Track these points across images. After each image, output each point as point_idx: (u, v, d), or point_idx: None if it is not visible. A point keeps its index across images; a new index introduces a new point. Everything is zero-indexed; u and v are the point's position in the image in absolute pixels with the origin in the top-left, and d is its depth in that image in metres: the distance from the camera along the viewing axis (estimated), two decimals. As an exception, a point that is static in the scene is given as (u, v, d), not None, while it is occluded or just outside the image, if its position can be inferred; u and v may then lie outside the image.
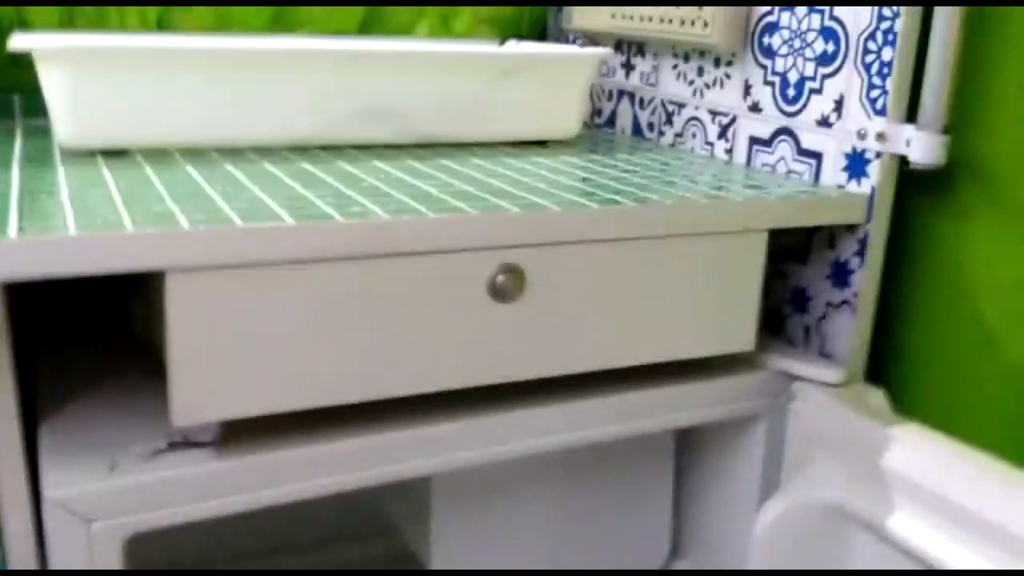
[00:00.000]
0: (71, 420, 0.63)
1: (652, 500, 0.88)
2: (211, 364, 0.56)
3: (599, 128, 1.08)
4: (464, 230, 0.61)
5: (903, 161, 0.75)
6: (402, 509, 0.87)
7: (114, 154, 0.73)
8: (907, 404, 0.82)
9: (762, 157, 0.86)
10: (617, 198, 0.67)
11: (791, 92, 0.82)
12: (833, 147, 0.79)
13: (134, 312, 0.77)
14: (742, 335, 0.74)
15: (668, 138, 0.97)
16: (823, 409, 0.75)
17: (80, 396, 0.67)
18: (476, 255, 0.62)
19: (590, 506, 0.85)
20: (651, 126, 1.00)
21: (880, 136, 0.75)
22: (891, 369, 0.83)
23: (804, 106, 0.81)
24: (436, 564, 0.79)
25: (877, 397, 0.78)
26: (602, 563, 0.87)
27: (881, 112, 0.74)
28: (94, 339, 0.78)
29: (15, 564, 0.57)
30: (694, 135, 0.94)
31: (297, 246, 0.56)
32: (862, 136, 0.76)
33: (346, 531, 1.04)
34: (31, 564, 0.58)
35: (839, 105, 0.78)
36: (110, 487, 0.56)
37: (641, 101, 1.02)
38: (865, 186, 0.76)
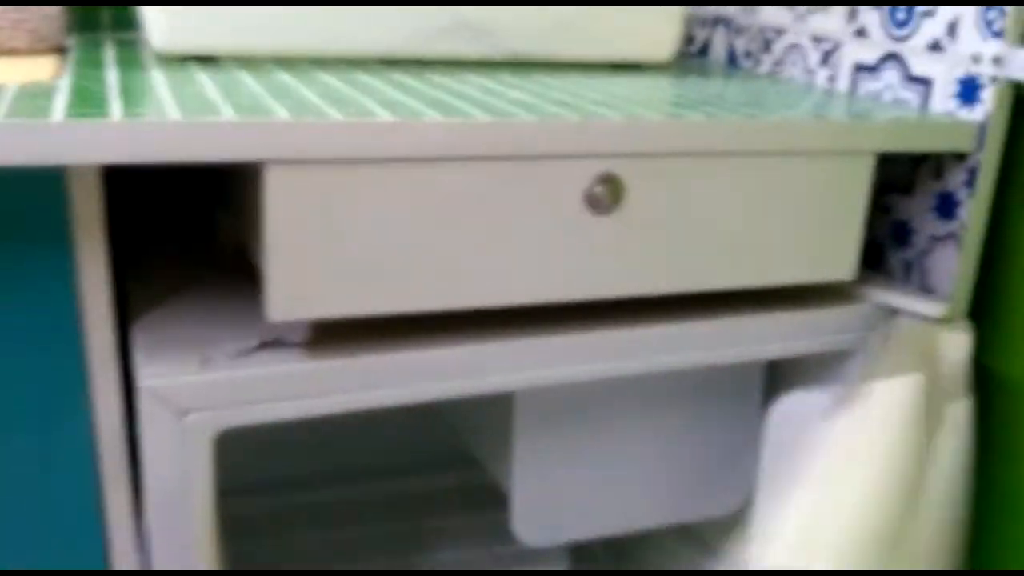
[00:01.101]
0: (163, 319, 0.63)
1: (737, 437, 0.85)
2: (306, 261, 0.56)
3: (692, 56, 1.05)
4: (563, 135, 0.59)
5: (1018, 88, 0.72)
6: (483, 438, 0.86)
7: (206, 60, 0.72)
8: (1008, 346, 0.79)
9: (867, 85, 0.82)
10: (718, 114, 0.65)
11: (900, 15, 0.79)
12: (944, 73, 0.75)
13: (220, 225, 0.77)
14: (843, 264, 0.72)
15: (766, 66, 0.94)
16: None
17: (170, 298, 0.67)
18: (574, 162, 0.60)
19: (674, 439, 0.83)
20: (748, 54, 0.97)
21: (996, 60, 0.71)
22: (993, 308, 0.80)
23: (915, 30, 0.77)
24: (518, 492, 0.78)
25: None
26: (681, 498, 0.85)
27: (998, 35, 0.70)
28: (182, 247, 0.78)
29: (105, 455, 0.58)
30: (794, 63, 0.90)
31: (396, 143, 0.55)
32: (976, 60, 0.72)
33: (422, 460, 1.04)
34: (121, 456, 0.58)
35: (952, 28, 0.74)
36: (203, 380, 0.56)
37: (738, 28, 0.98)
38: (977, 113, 0.72)
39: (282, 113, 0.53)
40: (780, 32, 0.92)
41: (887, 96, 0.80)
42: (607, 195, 0.61)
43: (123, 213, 0.87)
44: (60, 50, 0.77)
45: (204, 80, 0.63)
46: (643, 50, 0.87)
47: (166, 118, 0.50)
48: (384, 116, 0.55)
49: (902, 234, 0.80)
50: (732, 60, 0.99)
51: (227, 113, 0.52)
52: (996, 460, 0.81)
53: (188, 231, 0.82)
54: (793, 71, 0.90)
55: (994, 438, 0.81)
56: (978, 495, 0.83)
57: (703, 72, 0.91)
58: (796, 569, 0.77)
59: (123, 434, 0.58)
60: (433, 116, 0.56)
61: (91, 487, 0.58)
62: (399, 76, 0.72)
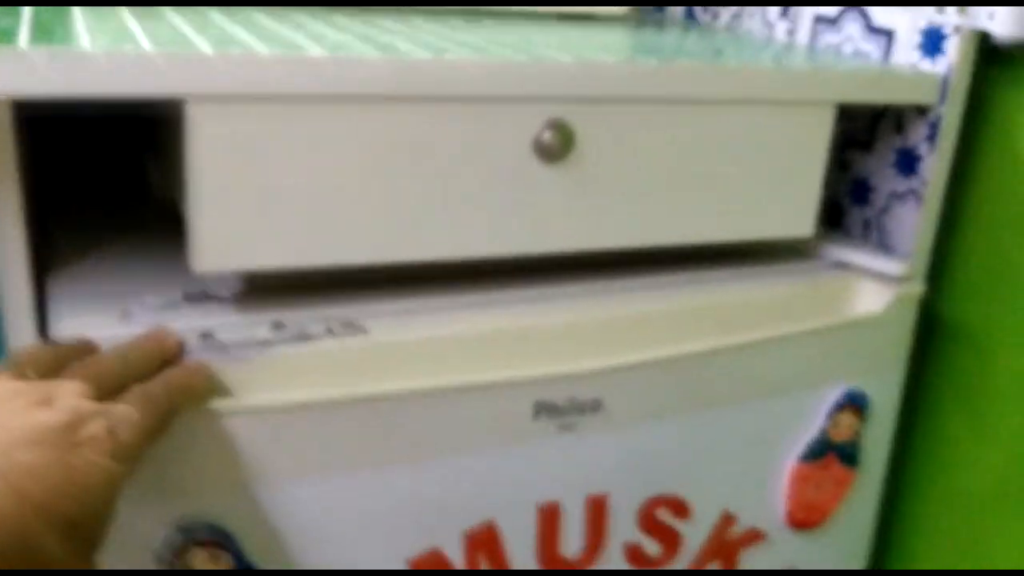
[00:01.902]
0: (84, 270, 0.59)
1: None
2: (234, 208, 0.52)
3: (648, 12, 1.02)
4: (510, 77, 0.55)
5: (983, 39, 0.69)
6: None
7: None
8: (966, 302, 0.77)
9: (827, 37, 0.80)
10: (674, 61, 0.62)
11: (863, -35, 0.76)
12: (907, 23, 0.72)
13: (150, 172, 0.73)
14: (802, 219, 0.69)
15: (724, 19, 0.91)
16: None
17: (95, 250, 0.63)
18: (522, 107, 0.57)
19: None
20: (705, 9, 0.94)
21: (961, 10, 0.68)
22: (952, 265, 0.78)
23: (877, -21, 0.75)
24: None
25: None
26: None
27: (964, -17, 0.68)
28: (111, 198, 0.74)
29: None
30: (752, 15, 0.87)
31: (330, 79, 0.51)
32: (940, 10, 0.70)
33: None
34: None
35: (917, -23, 0.72)
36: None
37: (695, -19, 0.95)
38: (940, 65, 0.70)
39: (205, 47, 0.49)
40: (739, -16, 0.89)
41: (847, 48, 0.77)
42: (557, 143, 0.58)
43: (49, 161, 0.82)
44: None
45: (125, 16, 0.59)
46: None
47: (77, 49, 0.46)
48: (317, 51, 0.51)
49: (862, 191, 0.78)
50: (689, 15, 0.96)
51: (146, 45, 0.48)
52: (953, 412, 0.80)
53: (118, 181, 0.78)
54: (751, 24, 0.88)
55: (953, 393, 0.80)
56: (931, 444, 0.82)
57: (660, 25, 0.88)
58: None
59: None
60: (370, 53, 0.52)
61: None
62: (341, 19, 0.68)
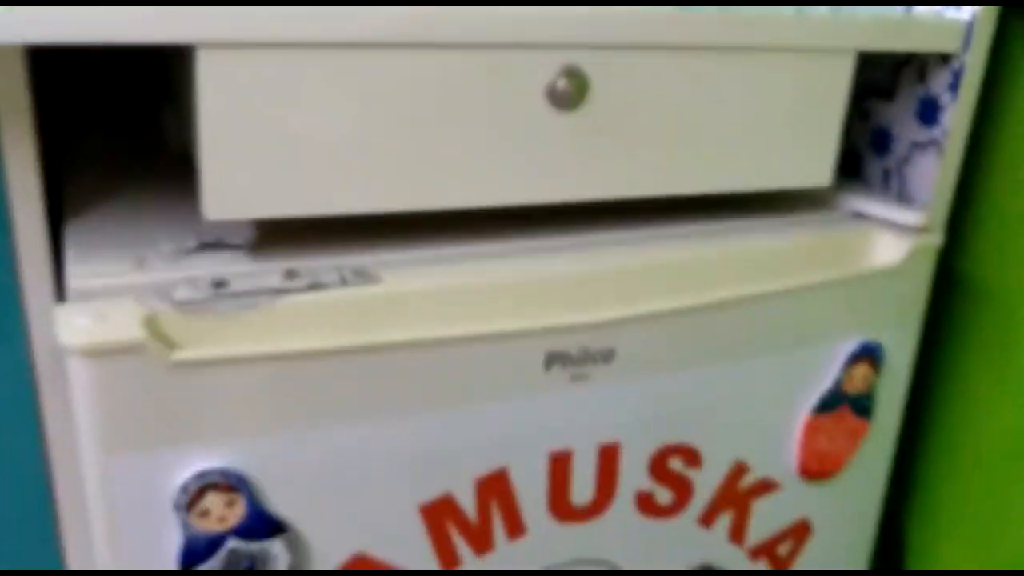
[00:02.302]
0: (100, 219, 0.60)
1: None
2: (244, 155, 0.52)
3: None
4: (521, 22, 0.55)
5: (1010, -15, 0.68)
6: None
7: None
8: (985, 254, 0.76)
9: (850, -16, 0.78)
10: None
11: (888, -92, 0.74)
12: (932, -31, 0.71)
13: (165, 121, 0.73)
14: (819, 169, 0.69)
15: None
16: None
17: (110, 199, 0.63)
18: (535, 53, 0.56)
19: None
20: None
21: (987, -45, 0.67)
22: (972, 216, 0.78)
23: (902, -77, 0.73)
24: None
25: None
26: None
27: (990, -73, 0.67)
28: (125, 149, 0.74)
29: (39, 356, 0.55)
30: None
31: (339, 25, 0.51)
32: (966, -45, 0.68)
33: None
34: (53, 362, 0.55)
35: (942, -79, 0.70)
36: (136, 282, 0.52)
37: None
38: (964, 12, 0.69)
39: (216, -8, 0.49)
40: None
41: (871, -4, 0.76)
42: (570, 90, 0.58)
43: (64, 106, 0.82)
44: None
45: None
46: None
47: (86, -7, 0.46)
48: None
49: (882, 141, 0.77)
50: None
51: (155, -9, 0.48)
52: (973, 367, 0.80)
53: (133, 127, 0.78)
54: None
55: (973, 348, 0.79)
56: (950, 399, 0.82)
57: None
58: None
59: (58, 342, 0.55)
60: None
61: (25, 388, 0.55)
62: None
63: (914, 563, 0.87)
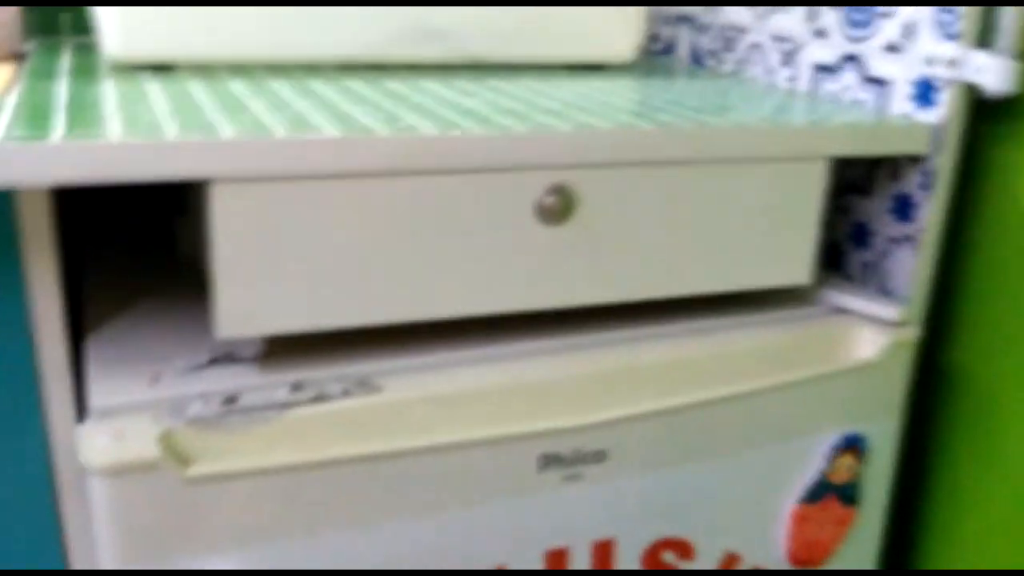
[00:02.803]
0: (117, 334, 0.63)
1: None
2: (255, 277, 0.56)
3: (657, 55, 1.05)
4: (511, 147, 0.59)
5: (973, 90, 0.72)
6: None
7: (161, 68, 0.72)
8: (966, 346, 0.79)
9: (827, 85, 0.82)
10: (672, 121, 0.65)
11: (858, 16, 0.79)
12: (901, 74, 0.75)
13: (179, 234, 0.77)
14: (799, 267, 0.72)
15: (729, 65, 0.94)
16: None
17: (126, 312, 0.67)
18: (524, 174, 0.60)
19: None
20: (711, 53, 0.97)
21: (951, 62, 0.71)
22: (951, 309, 0.81)
23: (873, 31, 0.77)
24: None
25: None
26: None
27: (953, 37, 0.71)
28: (140, 261, 0.78)
29: (61, 471, 0.58)
30: (756, 62, 0.90)
31: (342, 159, 0.55)
32: (931, 62, 0.72)
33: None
34: (74, 473, 0.58)
35: (909, 30, 0.74)
36: (152, 397, 0.56)
37: (701, 26, 0.98)
38: (933, 115, 0.73)
39: (227, 131, 0.53)
40: (742, 31, 0.92)
41: (846, 97, 0.80)
42: (558, 206, 0.61)
43: (82, 218, 0.86)
44: (18, 56, 0.76)
45: (155, 92, 0.63)
46: (604, 51, 0.87)
47: (108, 139, 0.50)
48: (331, 131, 0.55)
49: (861, 236, 0.80)
50: (696, 59, 0.99)
51: (172, 131, 0.52)
52: (962, 454, 0.82)
53: (147, 239, 0.82)
54: (755, 70, 0.90)
55: (960, 435, 0.82)
56: (941, 485, 0.84)
57: (666, 72, 0.91)
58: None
59: (78, 457, 0.58)
60: (381, 130, 0.56)
61: (47, 500, 0.58)
62: (354, 83, 0.71)
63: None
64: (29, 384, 0.57)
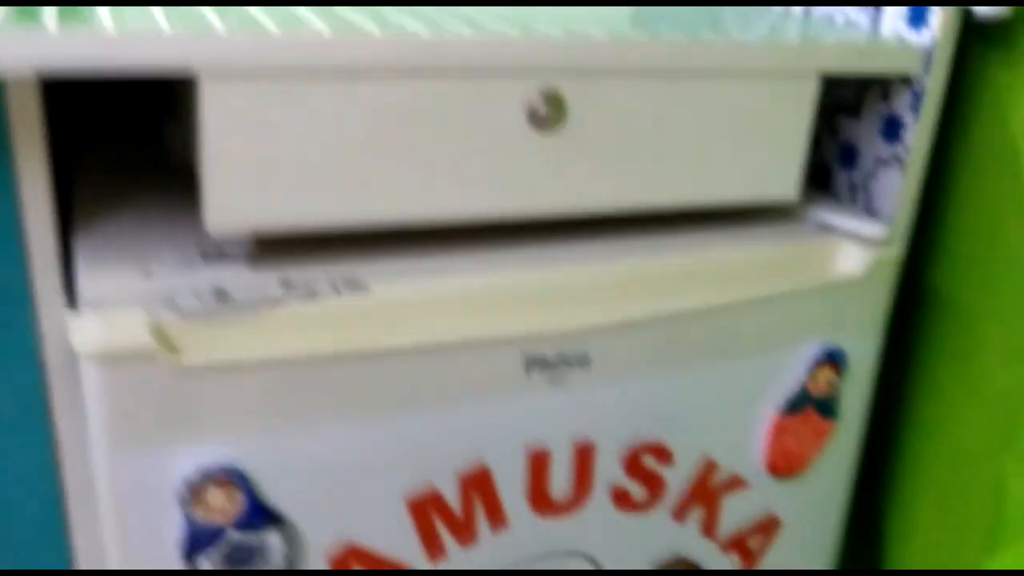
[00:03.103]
0: (107, 230, 0.64)
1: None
2: (243, 174, 0.56)
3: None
4: (503, 50, 0.59)
5: (966, 12, 0.72)
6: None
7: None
8: (947, 267, 0.80)
9: (820, 8, 0.82)
10: (665, 31, 0.65)
11: (855, -65, 0.78)
12: (895, -6, 0.75)
13: (168, 136, 0.77)
14: (785, 184, 0.73)
15: (722, -14, 0.94)
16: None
17: (116, 209, 0.67)
18: (516, 78, 0.60)
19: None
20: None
21: (946, -18, 0.71)
22: (934, 230, 0.82)
23: (868, -50, 0.77)
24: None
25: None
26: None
27: (949, -43, 0.71)
28: (130, 163, 0.78)
29: (51, 360, 0.58)
30: (750, -18, 0.90)
31: (333, 55, 0.55)
32: (927, -18, 0.72)
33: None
34: (65, 367, 0.59)
35: (905, -51, 0.74)
36: (143, 291, 0.56)
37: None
38: (925, 37, 0.73)
39: (218, 25, 0.53)
40: (738, -50, 0.91)
41: (840, 19, 0.80)
42: (549, 112, 0.62)
43: (72, 120, 0.86)
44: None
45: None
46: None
47: (96, 29, 0.50)
48: (322, 28, 0.55)
49: (849, 156, 0.81)
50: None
51: (163, 25, 0.52)
52: (942, 373, 0.84)
53: (138, 143, 0.82)
54: (750, -9, 0.90)
55: (941, 355, 0.83)
56: (921, 403, 0.86)
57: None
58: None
59: (69, 347, 0.59)
60: (372, 29, 0.56)
61: (38, 390, 0.59)
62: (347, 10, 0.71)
63: (889, 552, 0.91)
64: (19, 276, 0.57)
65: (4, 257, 0.57)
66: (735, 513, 0.76)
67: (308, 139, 0.57)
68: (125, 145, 0.81)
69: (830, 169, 0.83)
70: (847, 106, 0.81)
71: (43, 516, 0.63)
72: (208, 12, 0.57)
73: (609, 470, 0.68)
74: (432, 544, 0.64)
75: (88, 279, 0.57)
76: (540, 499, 0.67)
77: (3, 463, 0.60)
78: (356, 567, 0.62)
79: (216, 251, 0.62)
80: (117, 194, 0.70)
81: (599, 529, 0.70)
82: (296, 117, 0.56)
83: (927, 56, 0.72)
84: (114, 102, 0.91)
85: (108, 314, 0.53)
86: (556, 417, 0.65)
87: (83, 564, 0.63)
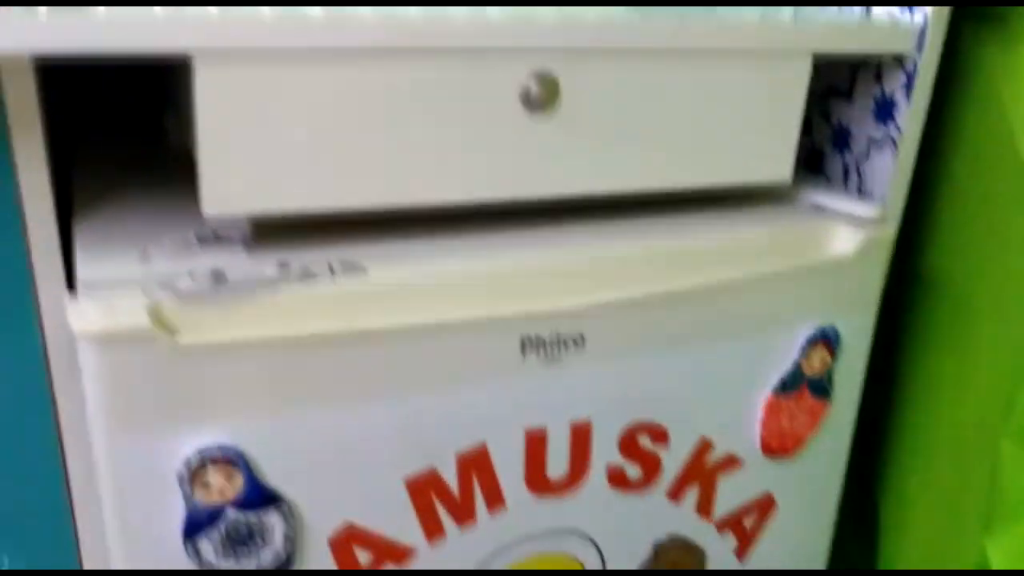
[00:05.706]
0: (106, 215, 0.64)
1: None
2: (238, 156, 0.57)
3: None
4: (495, 30, 0.59)
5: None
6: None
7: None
8: (940, 248, 0.81)
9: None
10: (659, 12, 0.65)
11: (847, -83, 0.79)
12: (887, -25, 0.75)
13: (168, 127, 0.77)
14: (779, 165, 0.73)
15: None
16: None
17: (116, 197, 0.68)
18: (508, 59, 0.61)
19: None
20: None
21: (938, -37, 0.71)
22: (927, 211, 0.82)
23: (860, -68, 0.77)
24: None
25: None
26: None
27: (941, -63, 0.71)
28: (129, 153, 0.78)
29: (51, 343, 0.59)
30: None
31: (324, 35, 0.55)
32: (919, -37, 0.73)
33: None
34: (65, 350, 0.60)
35: (897, -70, 0.74)
36: (141, 274, 0.57)
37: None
38: (917, 16, 0.73)
39: (212, 9, 0.53)
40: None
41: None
42: (542, 93, 0.62)
43: (74, 115, 0.87)
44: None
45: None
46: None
47: (94, 12, 0.50)
48: (314, 9, 0.55)
49: (842, 139, 0.81)
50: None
51: (157, 7, 0.52)
52: (936, 353, 0.84)
53: (138, 136, 0.82)
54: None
55: (935, 335, 0.84)
56: (916, 383, 0.86)
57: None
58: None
59: (69, 330, 0.59)
60: (364, 10, 0.56)
61: (39, 373, 0.60)
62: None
63: (884, 534, 0.92)
64: (19, 258, 0.58)
65: (4, 241, 0.57)
66: (731, 493, 0.77)
67: (302, 122, 0.57)
68: (127, 135, 0.81)
69: (823, 154, 0.84)
70: (839, 90, 0.81)
71: (46, 496, 0.64)
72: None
73: (605, 450, 0.69)
74: (430, 523, 0.65)
75: (87, 263, 0.57)
76: (537, 479, 0.67)
77: (5, 445, 0.61)
78: (356, 548, 0.63)
79: (214, 235, 0.62)
80: (117, 181, 0.71)
81: (596, 510, 0.71)
82: (290, 100, 0.57)
83: (920, 35, 0.73)
84: (118, 96, 0.92)
85: (106, 296, 0.54)
86: (553, 398, 0.65)
87: (85, 545, 0.64)
